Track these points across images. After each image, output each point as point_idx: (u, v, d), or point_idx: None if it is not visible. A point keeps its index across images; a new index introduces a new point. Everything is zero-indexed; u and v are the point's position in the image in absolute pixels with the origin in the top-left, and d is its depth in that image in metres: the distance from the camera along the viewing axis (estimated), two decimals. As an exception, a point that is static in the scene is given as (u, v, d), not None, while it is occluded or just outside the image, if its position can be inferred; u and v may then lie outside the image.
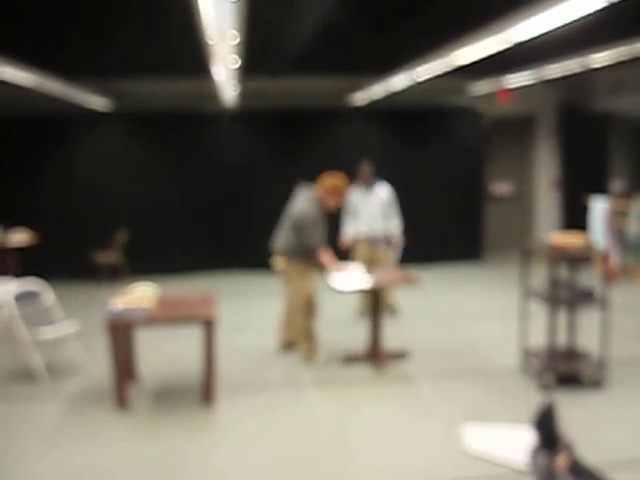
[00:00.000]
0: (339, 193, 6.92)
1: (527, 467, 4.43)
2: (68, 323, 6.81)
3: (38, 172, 11.29)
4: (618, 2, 4.43)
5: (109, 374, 5.90)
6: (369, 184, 8.61)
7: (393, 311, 8.77)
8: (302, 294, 6.93)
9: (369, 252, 8.51)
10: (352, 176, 9.71)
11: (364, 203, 8.60)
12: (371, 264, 7.86)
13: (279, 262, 7.01)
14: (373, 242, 8.57)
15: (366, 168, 8.64)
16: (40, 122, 11.10)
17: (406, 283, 7.02)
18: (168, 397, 6.12)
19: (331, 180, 6.93)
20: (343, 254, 8.46)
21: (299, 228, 6.80)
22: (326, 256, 6.83)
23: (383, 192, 8.62)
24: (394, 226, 8.59)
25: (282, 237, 7.01)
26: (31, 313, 6.73)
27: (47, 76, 8.02)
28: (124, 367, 5.85)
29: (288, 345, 7.31)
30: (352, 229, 8.71)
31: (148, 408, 5.81)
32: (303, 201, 6.90)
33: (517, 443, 4.78)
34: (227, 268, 11.75)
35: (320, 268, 7.01)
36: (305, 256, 6.87)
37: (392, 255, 8.71)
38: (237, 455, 4.93)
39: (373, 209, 8.56)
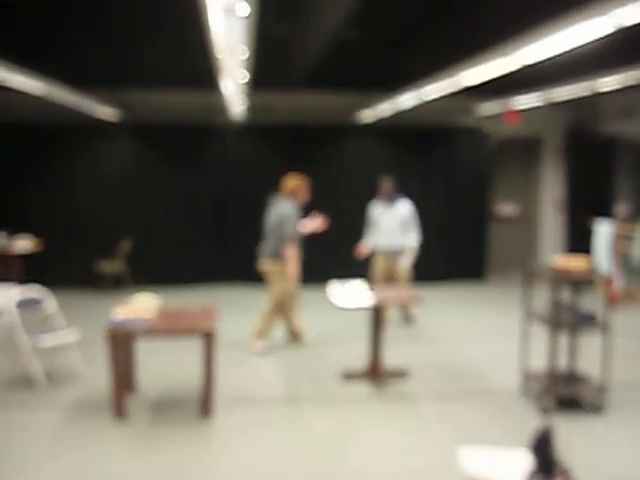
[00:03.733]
0: (300, 191, 7.77)
1: (524, 490, 4.41)
2: (69, 331, 6.81)
3: (44, 179, 11.34)
4: (626, 27, 4.45)
5: (108, 384, 5.89)
6: (390, 199, 8.95)
7: (410, 320, 9.28)
8: (281, 293, 7.77)
9: (387, 265, 9.00)
10: (359, 191, 9.83)
11: (385, 217, 8.97)
12: (389, 277, 8.81)
13: (263, 264, 7.85)
14: (391, 255, 8.95)
15: (387, 184, 8.96)
16: (48, 130, 11.16)
17: (408, 302, 7.02)
18: (166, 408, 6.11)
19: (290, 182, 7.77)
20: (363, 265, 9.27)
21: (281, 225, 7.60)
22: (291, 252, 7.56)
23: (404, 208, 8.93)
24: (412, 237, 8.89)
25: (266, 242, 7.84)
26: (32, 320, 6.74)
27: (56, 84, 8.06)
28: (123, 377, 5.84)
29: (295, 337, 8.10)
30: (372, 241, 9.10)
31: (146, 419, 5.80)
32: (283, 204, 7.70)
33: (514, 467, 4.75)
34: (231, 281, 11.75)
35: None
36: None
37: (405, 262, 8.94)
38: (233, 469, 4.91)
39: (393, 224, 8.90)
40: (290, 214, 7.61)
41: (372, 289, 7.11)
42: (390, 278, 9.01)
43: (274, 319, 7.94)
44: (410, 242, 8.89)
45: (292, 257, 7.57)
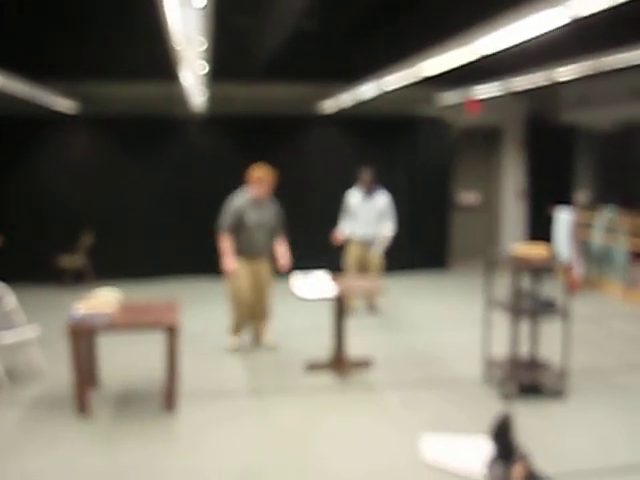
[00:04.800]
0: (262, 182, 7.36)
1: (484, 478, 4.46)
2: (29, 328, 6.72)
3: (2, 174, 11.15)
4: (582, 18, 4.49)
5: (70, 380, 5.82)
6: (369, 190, 9.16)
7: (375, 310, 9.37)
8: (229, 289, 7.49)
9: (361, 253, 9.17)
10: (321, 182, 9.82)
11: (362, 207, 9.16)
12: (362, 266, 9.01)
13: None
14: (366, 245, 9.15)
15: (367, 174, 9.15)
16: (5, 123, 10.96)
17: (370, 292, 7.05)
18: (130, 403, 6.06)
19: (255, 172, 7.40)
20: (327, 257, 9.46)
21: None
22: (226, 242, 7.35)
23: (381, 199, 9.17)
24: (388, 227, 9.14)
25: None
26: (-9, 317, 6.66)
27: (13, 77, 7.92)
28: (85, 373, 5.79)
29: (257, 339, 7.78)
30: (348, 229, 9.26)
31: (109, 414, 5.76)
32: (236, 194, 7.53)
33: (474, 453, 4.80)
34: (193, 274, 11.68)
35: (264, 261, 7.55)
36: (239, 252, 7.41)
37: (377, 250, 9.14)
38: (199, 463, 4.89)
39: (370, 214, 9.11)
40: (229, 204, 7.42)
41: (336, 279, 7.12)
42: (363, 267, 9.15)
43: (235, 316, 7.58)
44: (385, 231, 9.12)
45: (223, 249, 7.36)
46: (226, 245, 7.35)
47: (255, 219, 7.36)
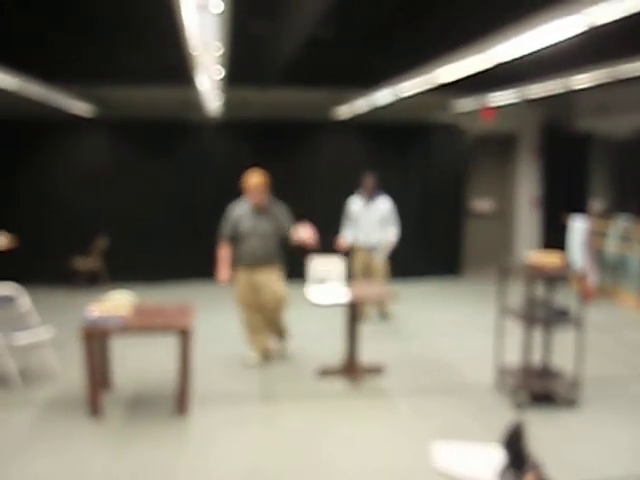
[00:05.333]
0: (256, 188, 7.05)
1: (497, 485, 4.45)
2: (43, 329, 6.76)
3: (18, 176, 11.22)
4: (599, 26, 4.48)
5: (83, 382, 5.85)
6: (371, 195, 9.06)
7: (387, 317, 9.31)
8: (236, 299, 7.30)
9: (366, 261, 9.08)
10: (336, 187, 9.79)
11: (365, 213, 9.06)
12: (367, 273, 8.89)
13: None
14: (369, 251, 9.06)
15: (369, 180, 9.06)
16: (22, 126, 11.04)
17: (383, 298, 7.04)
18: (142, 406, 6.08)
19: (248, 179, 7.11)
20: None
21: None
22: (222, 251, 7.24)
23: (384, 204, 9.06)
24: (391, 232, 9.05)
25: None
26: (6, 318, 6.69)
27: (30, 80, 7.98)
28: (98, 375, 5.80)
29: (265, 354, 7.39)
30: (350, 236, 9.17)
31: (121, 417, 5.78)
32: (236, 202, 7.32)
33: (486, 462, 4.78)
34: (208, 277, 11.67)
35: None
36: (238, 261, 7.21)
37: (380, 255, 9.07)
38: (209, 466, 4.90)
39: (373, 220, 9.02)
40: (228, 213, 7.28)
41: (349, 285, 7.12)
42: (368, 273, 9.08)
43: (246, 328, 7.35)
44: (388, 236, 9.04)
45: (219, 258, 7.27)
46: (221, 254, 7.25)
47: (250, 226, 7.10)
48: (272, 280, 7.17)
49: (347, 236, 9.22)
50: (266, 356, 7.36)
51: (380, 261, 9.09)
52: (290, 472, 4.84)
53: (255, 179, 7.08)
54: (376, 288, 7.77)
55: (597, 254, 10.95)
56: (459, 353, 7.81)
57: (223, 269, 7.22)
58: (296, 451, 5.19)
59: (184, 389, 5.80)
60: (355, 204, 9.20)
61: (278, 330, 7.48)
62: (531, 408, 5.94)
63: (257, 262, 7.13)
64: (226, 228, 7.24)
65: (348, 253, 9.09)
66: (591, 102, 11.82)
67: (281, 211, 7.29)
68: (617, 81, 8.02)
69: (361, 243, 9.11)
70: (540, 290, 6.31)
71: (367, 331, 7.58)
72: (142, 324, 5.87)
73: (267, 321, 7.35)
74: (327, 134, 12.26)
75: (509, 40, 5.22)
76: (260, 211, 7.16)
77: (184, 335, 5.72)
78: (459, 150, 12.57)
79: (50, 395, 6.27)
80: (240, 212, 7.20)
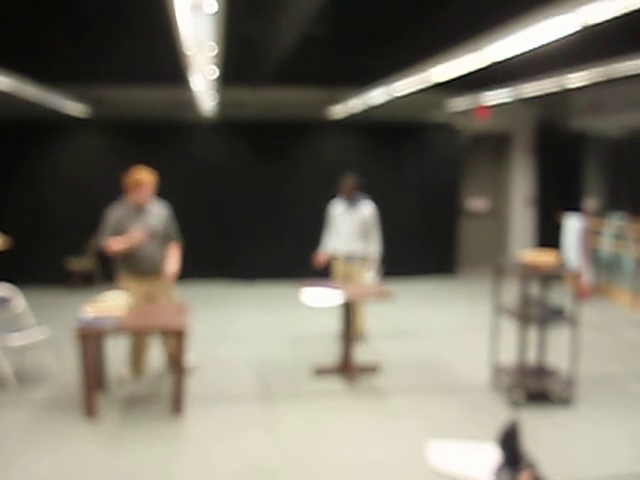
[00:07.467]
0: (142, 185, 6.50)
1: (493, 484, 4.46)
2: (38, 330, 6.75)
3: (12, 176, 11.19)
4: (593, 25, 4.49)
5: (78, 382, 5.85)
6: (352, 199, 8.03)
7: (361, 337, 8.22)
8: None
9: (345, 270, 8.08)
10: (330, 188, 9.72)
11: (345, 219, 8.05)
12: (347, 282, 7.76)
13: None
14: (349, 260, 8.06)
15: (349, 182, 8.02)
16: (16, 126, 11.02)
17: (379, 298, 7.04)
18: (138, 406, 6.08)
19: (133, 175, 6.54)
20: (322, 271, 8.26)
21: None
22: (115, 244, 6.42)
23: (366, 209, 8.02)
24: (373, 249, 8.00)
25: None
26: (1, 319, 6.69)
27: (25, 80, 7.96)
28: (93, 376, 5.79)
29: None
30: (331, 246, 8.19)
31: (117, 418, 5.77)
32: (114, 203, 6.70)
33: (481, 461, 4.79)
34: (204, 278, 11.69)
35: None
36: (127, 271, 6.62)
37: (369, 275, 8.02)
38: (204, 467, 4.90)
39: (353, 226, 7.98)
40: (106, 216, 6.71)
41: (343, 286, 7.11)
42: (348, 283, 7.92)
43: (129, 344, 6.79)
44: (371, 253, 8.02)
45: (110, 248, 6.51)
46: (117, 244, 6.44)
47: (136, 229, 6.47)
48: (169, 287, 6.86)
49: (327, 245, 8.22)
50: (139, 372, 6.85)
51: (359, 271, 8.03)
52: (287, 471, 4.84)
53: (145, 175, 6.56)
54: (370, 288, 7.72)
55: (592, 253, 10.97)
56: (454, 352, 7.82)
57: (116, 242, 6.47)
58: (293, 450, 5.19)
59: (179, 389, 5.80)
60: (335, 209, 8.22)
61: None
62: (526, 407, 5.95)
63: (151, 269, 6.68)
64: (107, 234, 6.60)
65: (328, 264, 8.28)
66: (585, 101, 11.84)
67: (166, 214, 6.95)
68: (611, 80, 8.03)
69: (340, 252, 8.10)
70: (535, 289, 6.32)
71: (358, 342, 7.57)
72: (137, 325, 5.88)
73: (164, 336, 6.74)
74: (322, 133, 12.25)
75: (503, 39, 5.22)
76: (142, 211, 6.64)
77: (179, 335, 5.72)
78: (454, 149, 12.58)
79: (45, 396, 6.26)
80: (120, 213, 6.64)
